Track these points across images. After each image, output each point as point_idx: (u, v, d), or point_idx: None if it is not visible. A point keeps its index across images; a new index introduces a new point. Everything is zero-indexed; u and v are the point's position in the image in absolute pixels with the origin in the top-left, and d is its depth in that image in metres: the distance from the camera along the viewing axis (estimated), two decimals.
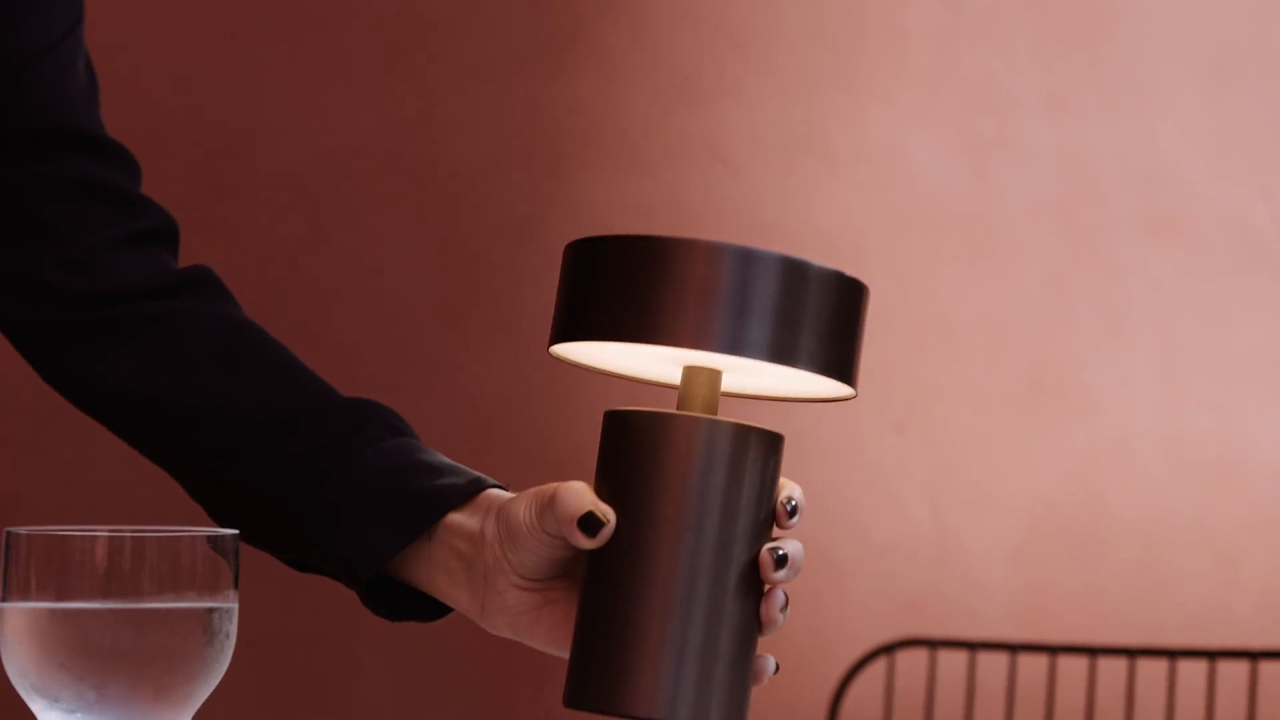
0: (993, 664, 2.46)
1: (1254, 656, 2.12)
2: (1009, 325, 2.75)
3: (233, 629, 0.84)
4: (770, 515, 0.83)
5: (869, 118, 2.75)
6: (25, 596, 0.80)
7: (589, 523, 0.81)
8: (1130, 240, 2.78)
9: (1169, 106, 2.81)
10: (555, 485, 0.84)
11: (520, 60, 2.67)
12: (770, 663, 0.85)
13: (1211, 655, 2.16)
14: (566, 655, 0.88)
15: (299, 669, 2.41)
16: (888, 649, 2.33)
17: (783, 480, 0.84)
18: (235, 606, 0.84)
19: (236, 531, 0.85)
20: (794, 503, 0.84)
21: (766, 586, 0.83)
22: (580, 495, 0.82)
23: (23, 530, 0.81)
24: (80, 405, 1.06)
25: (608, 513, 0.82)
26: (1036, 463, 2.72)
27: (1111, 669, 2.42)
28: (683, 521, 0.81)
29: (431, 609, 0.96)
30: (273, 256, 2.56)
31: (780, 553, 0.82)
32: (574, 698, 0.82)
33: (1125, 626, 2.65)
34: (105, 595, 0.80)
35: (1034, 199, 2.77)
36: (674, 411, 0.83)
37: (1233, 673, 2.39)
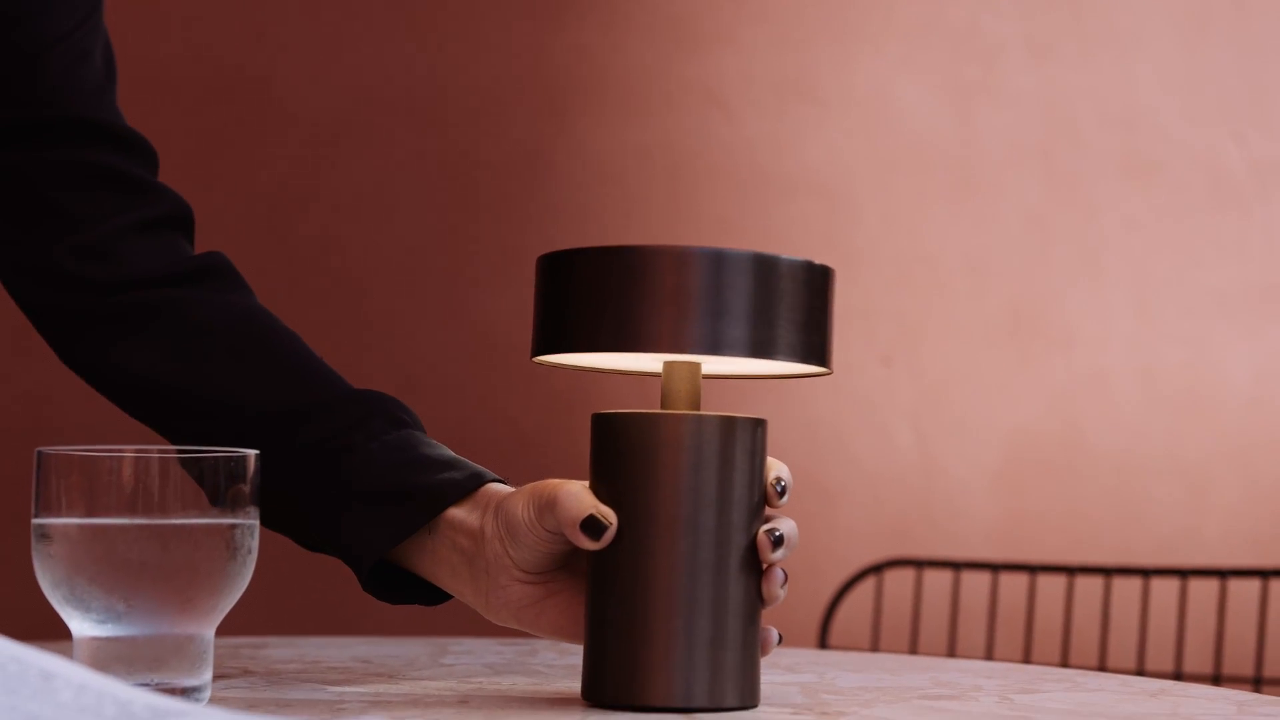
0: (976, 582, 2.47)
1: (1223, 575, 2.12)
2: (991, 263, 2.74)
3: (254, 544, 0.84)
4: (762, 497, 0.82)
5: (858, 64, 2.73)
6: (57, 513, 0.80)
7: (592, 526, 0.81)
8: (1108, 182, 2.77)
9: (1146, 53, 2.80)
10: (554, 487, 0.83)
11: (525, 8, 2.65)
12: (774, 634, 0.85)
13: (1183, 574, 2.16)
14: (570, 643, 0.88)
15: (320, 584, 2.42)
16: (876, 569, 2.33)
17: (770, 461, 0.83)
18: (256, 523, 0.84)
19: (258, 452, 0.85)
20: (783, 483, 0.83)
21: (765, 565, 0.83)
22: (580, 499, 0.81)
23: (54, 450, 0.81)
24: (94, 387, 1.04)
25: (609, 515, 0.81)
26: (1017, 394, 2.72)
27: (1088, 587, 2.43)
28: (680, 518, 0.80)
29: (434, 594, 0.95)
30: (287, 196, 2.55)
31: (777, 534, 0.81)
32: (593, 694, 0.82)
33: (1100, 548, 2.66)
34: (132, 512, 0.80)
35: (1016, 142, 2.76)
36: (660, 411, 0.82)
37: (1203, 590, 2.40)
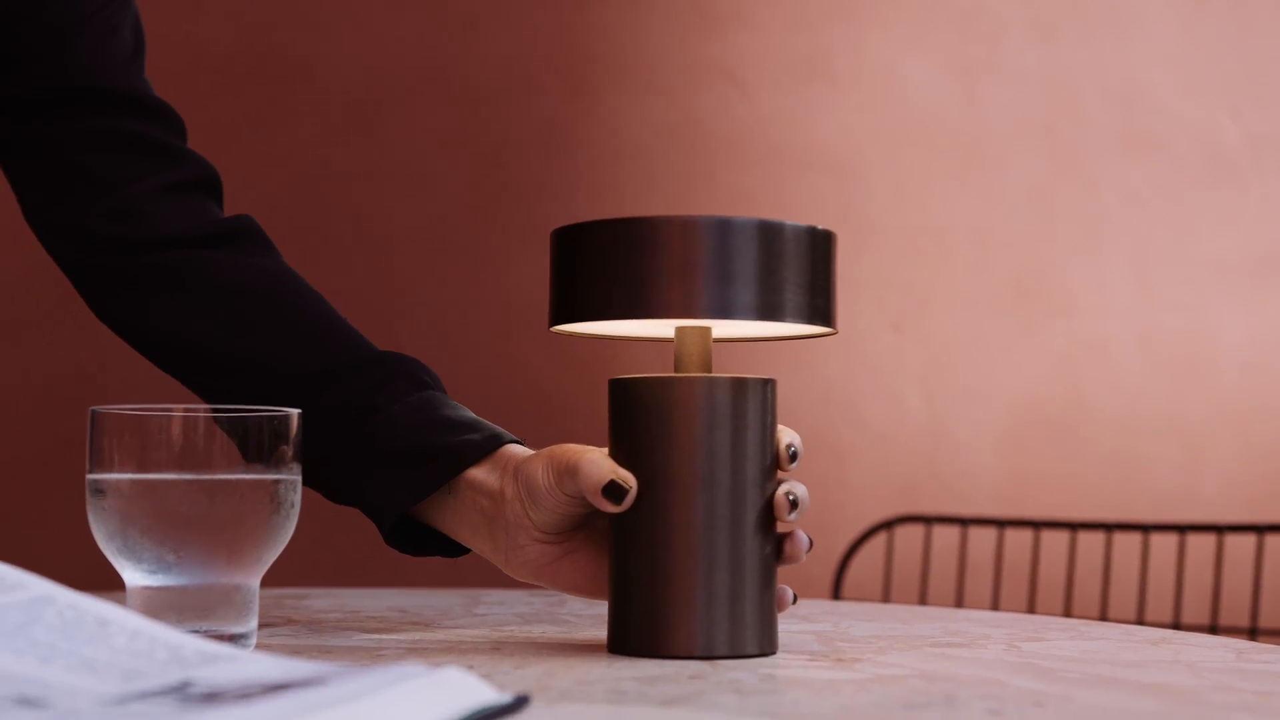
0: (982, 538, 2.46)
1: (1220, 530, 2.12)
2: (996, 234, 2.73)
3: (297, 498, 0.84)
4: (773, 454, 0.82)
5: (869, 43, 2.72)
6: (109, 469, 0.80)
7: (613, 490, 0.81)
8: (1108, 156, 2.76)
9: (1145, 32, 2.78)
10: (574, 454, 0.83)
11: None
12: (789, 593, 0.85)
13: (1181, 529, 2.15)
14: (587, 598, 0.89)
15: (359, 538, 2.43)
16: (887, 525, 2.33)
17: (781, 428, 0.83)
18: (299, 479, 0.84)
19: (299, 411, 0.84)
20: (794, 448, 0.83)
21: (781, 525, 0.83)
22: (601, 466, 0.81)
23: (106, 409, 0.81)
24: (127, 342, 1.04)
25: (628, 479, 0.81)
26: (1021, 359, 2.72)
27: (1090, 542, 2.43)
28: (696, 476, 0.80)
29: (454, 547, 0.95)
30: (323, 170, 2.55)
31: (793, 496, 0.81)
32: (619, 646, 0.82)
33: (1101, 505, 2.66)
34: (181, 468, 0.80)
35: (1020, 118, 2.75)
36: (674, 375, 0.82)
37: (1200, 545, 2.39)
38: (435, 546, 0.95)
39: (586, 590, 0.88)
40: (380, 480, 0.92)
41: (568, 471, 0.83)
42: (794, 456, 0.82)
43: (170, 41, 2.50)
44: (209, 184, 1.06)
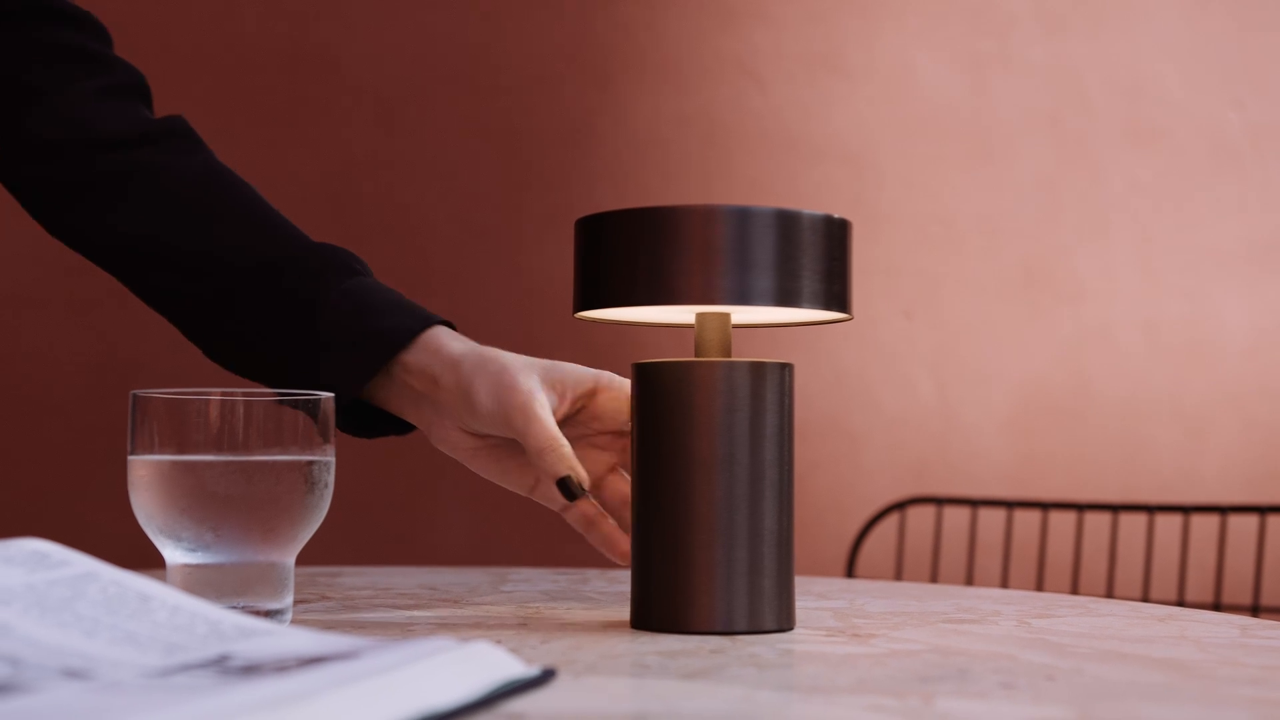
0: (992, 519, 2.46)
1: (1223, 511, 2.11)
2: (1005, 223, 2.72)
3: (330, 479, 0.84)
4: (791, 436, 0.83)
5: (882, 37, 2.71)
6: (150, 451, 0.80)
7: (564, 486, 0.83)
8: (1114, 147, 2.75)
9: (1150, 25, 2.77)
10: (525, 420, 0.85)
11: None
12: None
13: (1185, 510, 2.15)
14: (497, 483, 0.93)
15: (389, 518, 2.43)
16: (899, 506, 2.33)
17: None
18: (332, 460, 0.84)
19: (333, 395, 0.85)
20: None
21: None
22: (562, 454, 0.84)
23: (147, 393, 0.81)
24: (84, 254, 1.03)
25: (584, 481, 0.83)
26: (1029, 345, 2.71)
27: (1096, 523, 2.42)
28: (716, 457, 0.80)
29: (402, 425, 0.98)
30: (353, 162, 2.56)
31: None
32: (641, 622, 0.82)
33: (1107, 487, 2.65)
34: (219, 449, 0.80)
35: (1028, 110, 2.74)
36: (695, 359, 0.82)
37: (1203, 526, 2.38)
38: (385, 427, 0.98)
39: (495, 478, 0.92)
40: (326, 368, 0.93)
41: (519, 433, 0.86)
42: None
43: (203, 36, 2.51)
44: (139, 88, 1.05)
